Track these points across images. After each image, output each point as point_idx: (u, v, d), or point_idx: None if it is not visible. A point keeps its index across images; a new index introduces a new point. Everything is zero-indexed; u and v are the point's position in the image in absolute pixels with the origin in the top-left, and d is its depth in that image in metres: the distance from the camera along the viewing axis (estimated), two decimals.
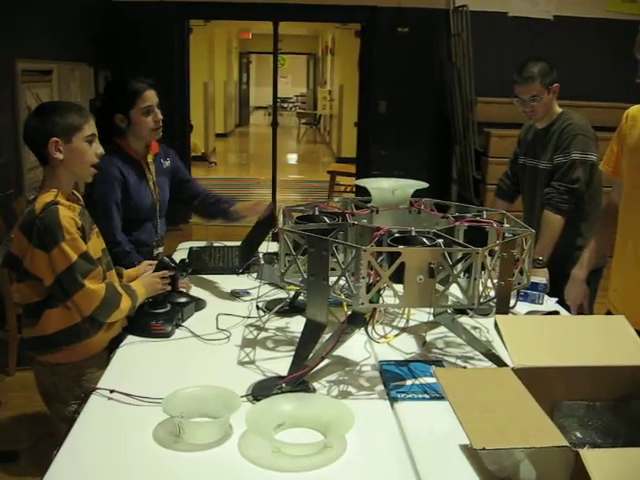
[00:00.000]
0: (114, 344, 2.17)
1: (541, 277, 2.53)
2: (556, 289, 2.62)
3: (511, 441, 1.17)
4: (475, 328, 2.21)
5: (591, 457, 1.11)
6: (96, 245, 2.19)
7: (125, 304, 2.13)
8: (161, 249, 2.78)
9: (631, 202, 2.25)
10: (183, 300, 2.32)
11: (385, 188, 2.21)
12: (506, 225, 2.00)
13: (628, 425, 1.51)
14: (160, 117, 2.63)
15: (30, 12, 4.73)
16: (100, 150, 2.16)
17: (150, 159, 2.72)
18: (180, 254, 2.96)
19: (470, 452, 1.33)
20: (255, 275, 2.70)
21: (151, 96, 2.60)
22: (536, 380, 1.42)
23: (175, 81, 7.08)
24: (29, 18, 4.72)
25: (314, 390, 1.77)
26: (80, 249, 2.04)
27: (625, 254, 2.27)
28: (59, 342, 2.12)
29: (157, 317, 2.17)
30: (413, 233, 1.82)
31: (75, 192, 2.22)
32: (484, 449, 1.15)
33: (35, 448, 2.94)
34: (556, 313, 2.41)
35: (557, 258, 2.86)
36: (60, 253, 2.01)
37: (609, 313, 2.33)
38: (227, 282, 2.64)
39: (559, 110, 3.05)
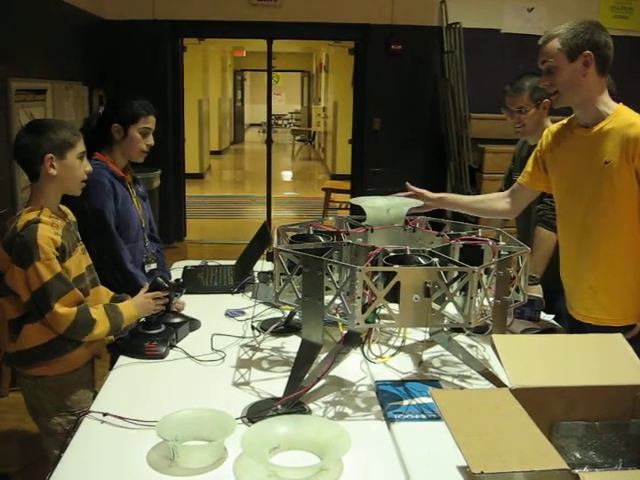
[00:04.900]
0: (112, 364, 2.16)
1: (536, 294, 2.52)
2: (551, 306, 2.61)
3: (510, 465, 1.16)
4: (471, 346, 2.20)
5: None
6: (80, 262, 2.20)
7: (100, 329, 2.11)
8: (154, 265, 2.77)
9: (561, 211, 2.43)
10: (177, 320, 2.31)
11: (380, 207, 2.20)
12: (501, 243, 1.99)
13: (628, 445, 1.49)
14: (152, 143, 2.70)
15: (24, 31, 4.73)
16: (89, 168, 2.21)
17: (130, 179, 2.74)
18: (175, 273, 2.95)
19: (469, 475, 1.31)
20: (250, 294, 2.69)
21: (153, 121, 2.70)
22: (534, 400, 1.41)
23: (169, 99, 7.10)
24: (23, 37, 4.72)
25: (310, 411, 1.76)
26: (54, 270, 2.04)
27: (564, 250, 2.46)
28: (37, 357, 2.13)
29: (151, 338, 2.14)
30: (408, 252, 1.81)
31: (62, 207, 2.23)
32: (483, 473, 1.13)
33: (26, 471, 2.90)
34: (552, 330, 2.40)
35: (551, 274, 2.85)
36: (34, 272, 2.02)
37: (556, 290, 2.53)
38: (222, 302, 2.63)
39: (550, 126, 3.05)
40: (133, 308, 2.21)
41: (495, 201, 2.69)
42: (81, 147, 2.16)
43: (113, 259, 2.51)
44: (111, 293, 2.37)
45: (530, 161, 2.54)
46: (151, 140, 2.69)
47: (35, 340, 2.11)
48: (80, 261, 2.21)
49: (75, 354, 2.16)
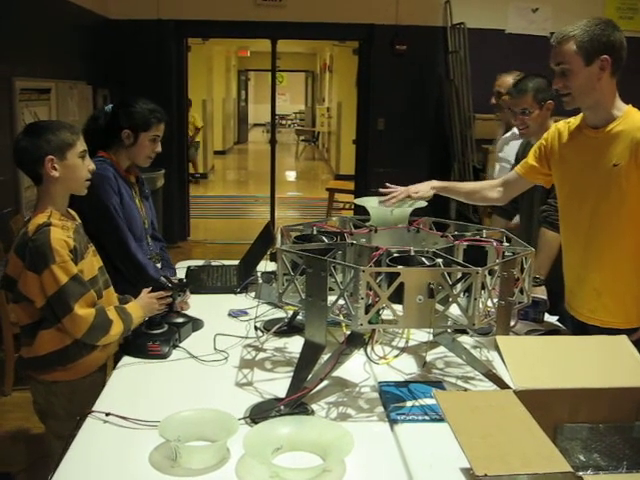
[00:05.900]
0: (115, 363, 2.15)
1: (540, 295, 2.52)
2: (555, 307, 2.60)
3: (513, 467, 1.15)
4: (475, 347, 2.19)
5: None
6: (92, 264, 2.18)
7: (116, 330, 2.11)
8: (158, 265, 2.76)
9: (565, 211, 2.41)
10: (180, 320, 2.30)
11: (384, 207, 2.19)
12: (506, 244, 1.99)
13: (632, 447, 1.48)
14: (159, 150, 2.70)
15: (28, 30, 4.74)
16: (92, 166, 2.19)
17: (133, 179, 2.74)
18: (178, 273, 2.94)
19: (472, 477, 1.31)
20: (253, 294, 2.69)
21: (163, 129, 2.69)
22: (538, 402, 1.41)
23: (174, 99, 7.10)
24: (27, 36, 4.73)
25: (313, 412, 1.75)
26: (70, 272, 2.02)
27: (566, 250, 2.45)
28: (52, 363, 2.11)
29: (154, 338, 2.14)
30: (412, 253, 1.81)
31: (70, 210, 2.22)
32: (486, 475, 1.12)
33: (29, 470, 2.90)
34: (556, 332, 2.39)
35: (555, 275, 2.84)
36: (50, 275, 2.00)
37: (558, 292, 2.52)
38: (225, 302, 2.62)
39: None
40: (139, 309, 2.21)
41: (487, 190, 2.68)
42: (82, 146, 2.13)
43: (124, 252, 2.51)
44: (116, 295, 2.36)
45: (532, 153, 2.51)
46: (159, 147, 2.68)
47: (50, 346, 2.09)
48: (92, 263, 2.19)
49: (90, 358, 2.15)
